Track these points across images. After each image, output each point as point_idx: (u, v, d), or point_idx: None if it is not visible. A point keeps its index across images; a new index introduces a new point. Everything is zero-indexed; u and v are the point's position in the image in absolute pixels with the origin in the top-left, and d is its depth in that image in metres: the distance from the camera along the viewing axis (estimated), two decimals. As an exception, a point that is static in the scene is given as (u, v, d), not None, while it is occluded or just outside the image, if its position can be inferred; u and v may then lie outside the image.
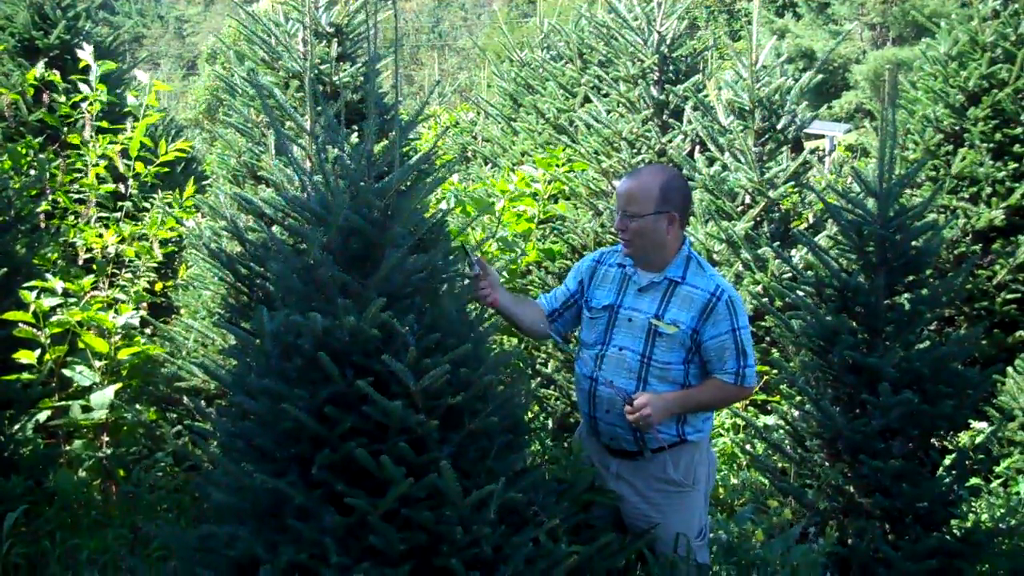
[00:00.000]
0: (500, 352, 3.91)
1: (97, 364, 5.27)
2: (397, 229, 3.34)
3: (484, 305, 3.89)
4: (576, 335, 4.32)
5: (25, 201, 5.45)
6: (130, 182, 6.62)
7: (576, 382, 4.20)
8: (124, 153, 6.73)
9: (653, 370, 3.88)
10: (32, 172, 6.36)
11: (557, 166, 7.63)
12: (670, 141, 7.98)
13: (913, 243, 4.56)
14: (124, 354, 5.35)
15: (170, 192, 6.73)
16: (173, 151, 6.66)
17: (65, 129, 6.97)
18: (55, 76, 7.18)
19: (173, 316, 6.24)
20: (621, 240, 3.96)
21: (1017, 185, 7.47)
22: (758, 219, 7.18)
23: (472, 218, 6.24)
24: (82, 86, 6.70)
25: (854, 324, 4.55)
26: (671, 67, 8.44)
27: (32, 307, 5.04)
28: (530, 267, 7.45)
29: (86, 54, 6.78)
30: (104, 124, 6.77)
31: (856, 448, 4.42)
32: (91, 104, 6.69)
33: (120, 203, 6.72)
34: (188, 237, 6.08)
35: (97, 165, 6.53)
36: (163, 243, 6.40)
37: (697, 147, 7.90)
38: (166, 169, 6.82)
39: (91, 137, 6.62)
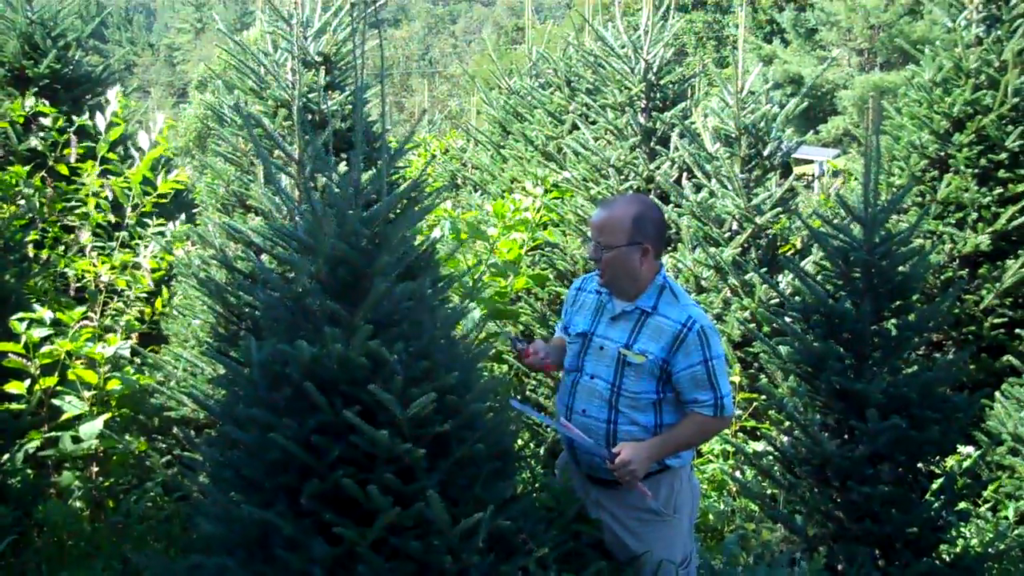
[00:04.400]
0: (488, 379, 3.91)
1: (87, 394, 5.26)
2: (385, 258, 3.34)
3: (543, 372, 4.01)
4: None
5: (14, 231, 5.46)
6: (128, 211, 6.63)
7: (556, 406, 4.20)
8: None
9: (623, 400, 3.86)
10: (22, 202, 6.36)
11: (546, 189, 7.66)
12: (657, 168, 8.02)
13: (899, 269, 4.58)
14: (113, 384, 5.34)
15: (163, 221, 6.74)
16: (172, 182, 6.68)
17: (52, 158, 6.98)
18: (45, 107, 7.20)
19: (162, 345, 6.23)
20: (596, 270, 3.98)
21: (1002, 210, 7.50)
22: (745, 245, 7.21)
23: (460, 243, 6.25)
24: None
25: (841, 350, 4.57)
26: (658, 94, 8.50)
27: (23, 338, 5.04)
28: (520, 294, 7.47)
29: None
30: (113, 156, 6.80)
31: (845, 474, 4.43)
32: (100, 136, 6.73)
33: (116, 233, 6.72)
34: (178, 266, 6.08)
35: (95, 196, 6.54)
36: (153, 271, 6.40)
37: (684, 174, 7.94)
38: (165, 200, 6.83)
39: (91, 167, 6.64)
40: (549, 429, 6.36)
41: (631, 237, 3.82)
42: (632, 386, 3.86)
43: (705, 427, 3.93)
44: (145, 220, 6.68)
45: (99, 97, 8.31)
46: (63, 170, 6.81)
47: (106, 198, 6.60)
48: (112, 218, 6.68)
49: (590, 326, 4.01)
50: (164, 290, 6.31)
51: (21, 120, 7.35)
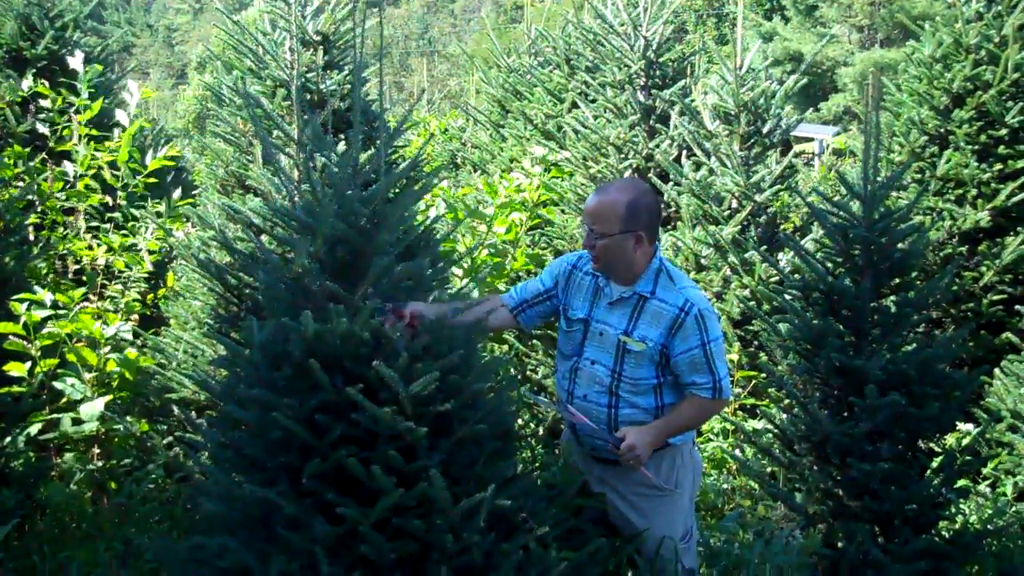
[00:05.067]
0: (490, 359, 3.91)
1: (87, 376, 5.27)
2: (384, 237, 3.34)
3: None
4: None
5: (14, 213, 5.45)
6: (119, 193, 6.62)
7: (556, 392, 4.21)
8: (112, 164, 6.73)
9: (624, 385, 3.88)
10: (20, 184, 6.35)
11: (546, 168, 7.65)
12: (657, 146, 8.01)
13: (899, 245, 4.58)
14: (113, 365, 5.35)
15: (158, 201, 6.73)
16: (161, 159, 6.67)
17: (53, 140, 6.97)
18: (44, 87, 7.19)
19: (163, 327, 6.24)
20: (591, 255, 3.95)
21: (1002, 186, 7.50)
22: (745, 223, 7.21)
23: (458, 223, 6.24)
24: (71, 98, 6.70)
25: (841, 327, 4.57)
26: (658, 72, 8.48)
27: (22, 319, 5.04)
28: (519, 273, 7.48)
29: (76, 61, 6.78)
30: (94, 132, 6.77)
31: (844, 451, 4.44)
32: (80, 113, 6.69)
33: (109, 214, 6.72)
34: (178, 248, 6.08)
35: (83, 177, 6.53)
36: (152, 253, 6.40)
37: (684, 152, 7.93)
38: (155, 180, 6.81)
39: (80, 145, 6.61)
40: (549, 410, 6.38)
41: (625, 225, 3.79)
42: (632, 372, 3.87)
43: (703, 409, 3.95)
44: (141, 203, 6.68)
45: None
46: (66, 147, 6.79)
47: (96, 178, 6.59)
48: (108, 200, 6.68)
49: (589, 311, 3.99)
50: (170, 274, 6.32)
51: (19, 101, 7.34)
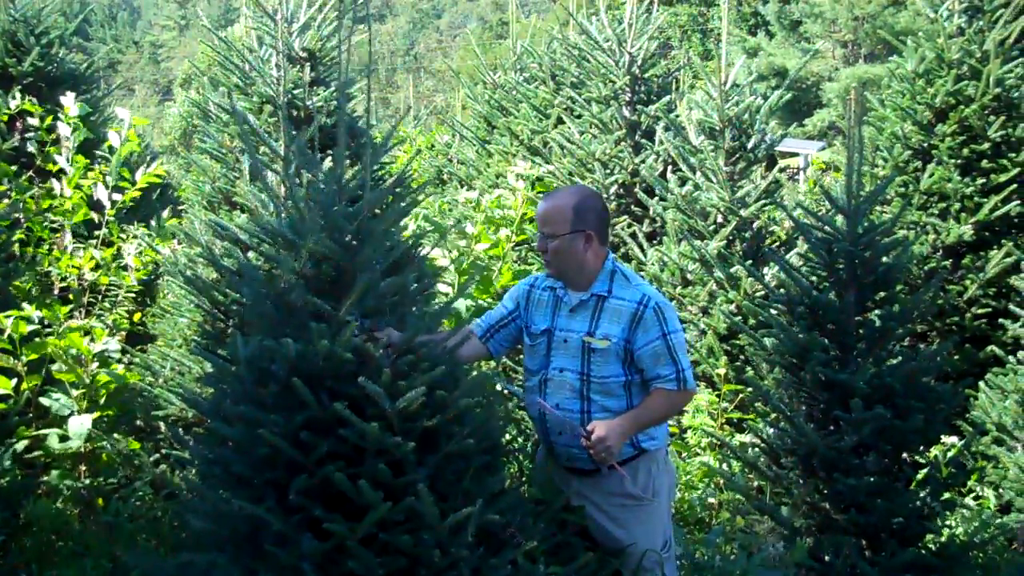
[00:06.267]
0: (476, 374, 3.93)
1: (75, 393, 5.25)
2: (368, 253, 3.36)
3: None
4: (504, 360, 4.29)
5: (0, 230, 5.45)
6: (106, 210, 6.61)
7: (527, 408, 4.25)
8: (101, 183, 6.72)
9: (594, 386, 3.93)
10: (7, 200, 6.34)
11: (532, 183, 7.67)
12: (643, 161, 8.05)
13: (883, 259, 4.61)
14: (104, 379, 5.34)
15: (144, 224, 6.72)
16: (149, 176, 6.66)
17: (40, 158, 6.95)
18: (31, 104, 7.17)
19: (150, 344, 6.22)
20: (543, 261, 4.04)
21: (985, 200, 7.54)
22: (730, 238, 7.23)
23: (441, 237, 6.23)
24: (60, 126, 6.69)
25: (826, 341, 4.59)
26: (642, 88, 8.52)
27: (7, 332, 5.03)
28: (507, 287, 7.48)
29: (68, 100, 6.78)
30: (81, 159, 6.76)
31: (830, 464, 4.46)
32: (69, 139, 6.69)
33: (96, 232, 6.71)
34: (164, 264, 6.07)
35: (70, 197, 6.52)
36: (138, 271, 6.39)
37: (669, 167, 7.96)
38: (139, 192, 6.80)
39: (69, 164, 6.60)
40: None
41: (573, 225, 3.90)
42: (600, 371, 3.92)
43: (670, 400, 3.99)
44: (127, 224, 6.66)
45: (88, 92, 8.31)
46: (52, 168, 6.78)
47: (83, 197, 6.58)
48: (95, 216, 6.66)
49: (551, 322, 4.05)
50: (158, 291, 6.30)
51: (5, 119, 7.33)
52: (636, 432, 3.94)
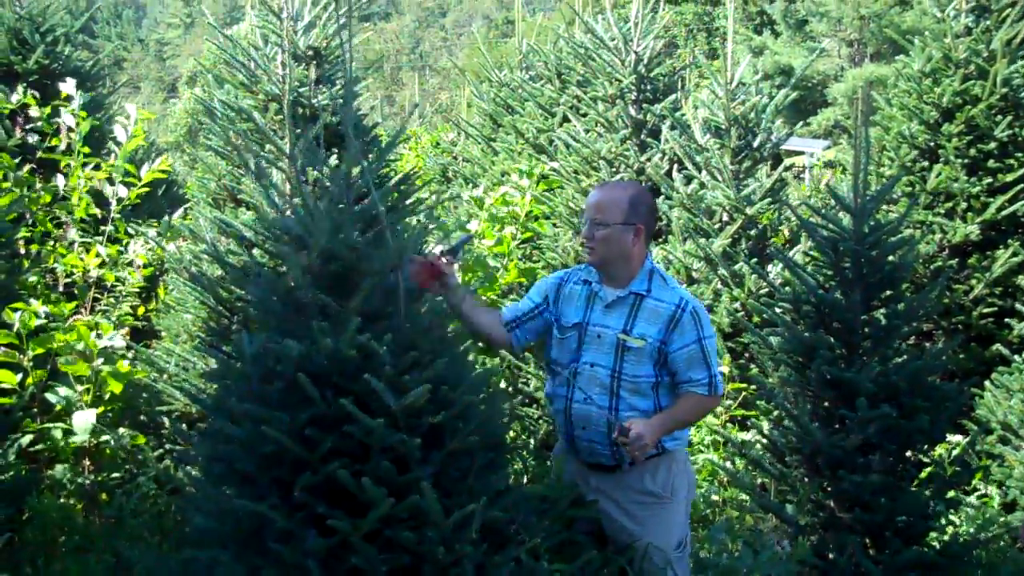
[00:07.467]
0: (481, 371, 3.93)
1: (79, 387, 5.25)
2: (375, 250, 3.35)
3: (434, 289, 3.80)
4: (534, 353, 4.31)
5: (4, 226, 5.44)
6: (112, 205, 6.60)
7: (550, 401, 4.24)
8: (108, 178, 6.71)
9: (625, 384, 3.94)
10: (8, 196, 6.33)
11: (537, 180, 7.65)
12: (648, 160, 8.03)
13: (889, 258, 4.61)
14: (106, 374, 5.33)
15: (156, 221, 6.71)
16: (155, 171, 6.65)
17: (43, 149, 6.94)
18: (32, 99, 7.17)
19: (155, 340, 6.22)
20: (586, 249, 4.03)
21: (992, 200, 7.54)
22: (735, 236, 7.22)
23: (446, 234, 6.22)
24: (64, 115, 6.68)
25: (831, 339, 4.59)
26: (648, 86, 8.50)
27: (16, 326, 5.03)
28: (511, 286, 7.48)
29: (69, 86, 6.77)
30: (86, 150, 6.75)
31: (835, 463, 4.46)
32: (72, 131, 6.68)
33: (102, 227, 6.70)
34: (169, 261, 6.07)
35: (75, 190, 6.51)
36: (145, 267, 6.38)
37: (675, 166, 7.95)
38: (147, 188, 6.79)
39: (74, 158, 6.60)
40: (540, 421, 6.39)
41: (627, 216, 3.92)
42: (632, 370, 3.93)
43: (701, 405, 4.04)
44: (135, 221, 6.66)
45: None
46: (58, 159, 6.77)
47: (89, 191, 6.58)
48: (98, 212, 6.66)
49: (584, 316, 4.05)
50: (161, 288, 6.30)
51: (7, 112, 7.32)
52: (668, 433, 3.97)
